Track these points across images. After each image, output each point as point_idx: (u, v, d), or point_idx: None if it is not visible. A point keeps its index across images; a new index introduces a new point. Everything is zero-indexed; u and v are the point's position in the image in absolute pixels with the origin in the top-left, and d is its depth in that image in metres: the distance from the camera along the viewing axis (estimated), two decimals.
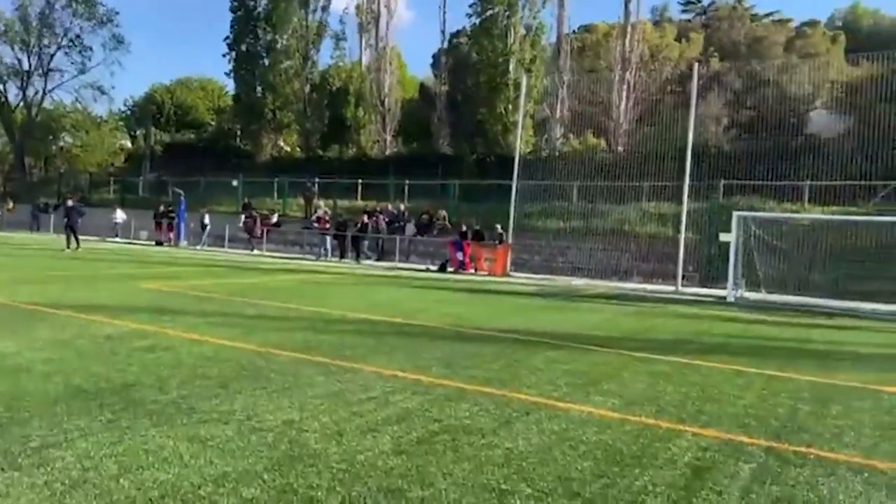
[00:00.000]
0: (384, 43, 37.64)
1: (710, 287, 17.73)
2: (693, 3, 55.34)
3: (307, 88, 39.30)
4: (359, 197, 30.55)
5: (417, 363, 6.23)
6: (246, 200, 30.45)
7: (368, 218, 24.62)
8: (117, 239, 30.52)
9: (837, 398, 5.67)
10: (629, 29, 31.71)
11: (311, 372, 5.65)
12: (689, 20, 52.21)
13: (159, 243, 28.82)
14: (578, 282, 19.08)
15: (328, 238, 24.76)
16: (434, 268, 21.57)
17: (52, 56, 44.36)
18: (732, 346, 8.77)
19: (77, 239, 21.67)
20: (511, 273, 20.23)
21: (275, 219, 28.43)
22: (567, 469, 3.62)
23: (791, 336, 10.02)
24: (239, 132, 43.90)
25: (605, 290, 17.00)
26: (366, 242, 24.54)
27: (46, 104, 45.89)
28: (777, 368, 6.94)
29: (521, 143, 22.79)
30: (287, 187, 31.78)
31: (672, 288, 17.28)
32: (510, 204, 20.82)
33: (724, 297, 15.37)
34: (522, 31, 32.46)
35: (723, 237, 16.67)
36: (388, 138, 37.68)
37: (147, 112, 50.02)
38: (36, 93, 45.30)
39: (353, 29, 39.42)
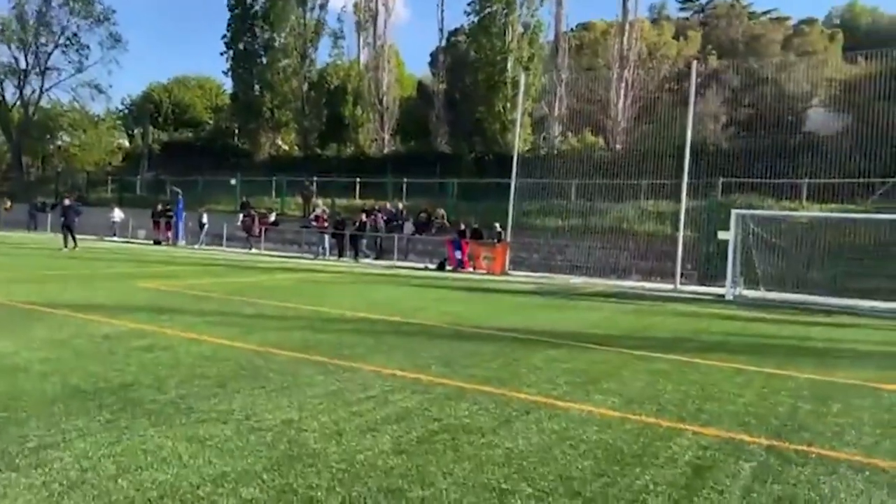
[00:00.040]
0: (382, 41, 37.57)
1: (709, 285, 17.72)
2: (691, 0, 55.37)
3: (305, 87, 39.23)
4: (357, 195, 30.50)
5: (416, 362, 6.21)
6: (244, 199, 30.41)
7: (367, 216, 24.59)
8: (115, 238, 30.46)
9: (837, 396, 5.66)
10: (627, 27, 31.68)
11: (310, 371, 5.63)
12: (687, 18, 52.27)
13: (157, 242, 28.77)
14: (577, 280, 19.07)
15: (326, 237, 24.73)
16: (432, 266, 21.55)
17: (50, 55, 44.25)
18: (731, 344, 8.76)
19: (74, 238, 21.62)
20: (509, 271, 20.21)
21: (273, 217, 28.38)
22: (568, 468, 3.60)
23: (790, 334, 10.02)
24: (237, 131, 43.83)
25: (603, 288, 16.99)
26: (364, 241, 24.51)
27: (44, 103, 45.82)
28: (776, 366, 6.93)
29: (519, 141, 22.77)
30: (285, 186, 31.74)
31: (671, 286, 17.27)
32: (508, 202, 20.79)
33: (723, 295, 15.37)
34: (520, 29, 32.41)
35: (721, 235, 16.66)
36: (387, 137, 37.63)
37: (145, 111, 49.92)
38: (33, 92, 45.23)
39: (351, 27, 39.40)
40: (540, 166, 24.19)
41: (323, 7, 39.45)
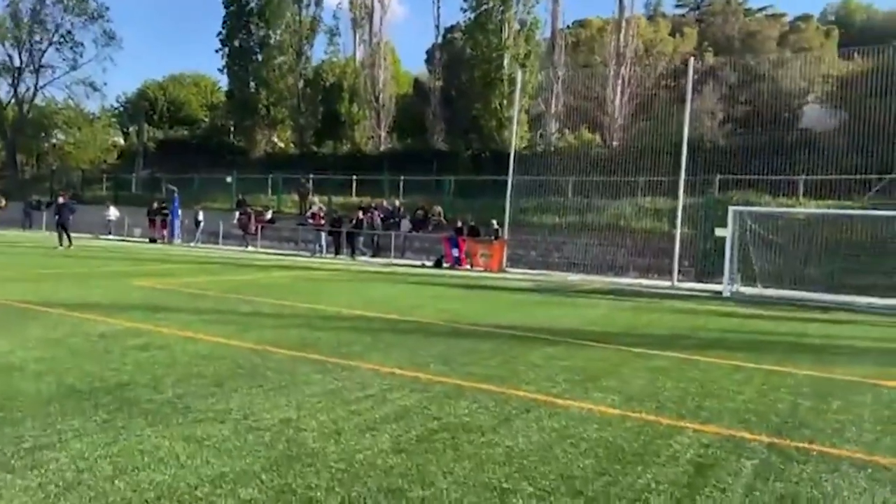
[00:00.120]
0: (378, 38, 37.45)
1: (706, 282, 17.72)
2: None
3: (301, 84, 39.10)
4: (353, 193, 30.43)
5: (415, 360, 6.19)
6: (240, 197, 30.28)
7: (363, 214, 24.52)
8: (110, 236, 30.34)
9: (837, 393, 5.65)
10: (623, 24, 31.62)
11: (308, 370, 5.60)
12: (683, 15, 52.23)
13: (153, 240, 28.65)
14: (574, 277, 19.06)
15: (323, 234, 24.67)
16: (429, 264, 21.51)
17: (44, 52, 44.04)
18: (729, 340, 8.76)
19: (69, 236, 21.53)
20: (507, 269, 20.19)
21: (269, 215, 28.31)
22: (569, 467, 3.58)
23: (787, 330, 10.02)
24: (232, 128, 43.68)
25: (601, 285, 16.98)
26: (361, 239, 24.45)
27: (38, 101, 45.59)
28: (775, 363, 6.92)
29: (516, 138, 22.73)
30: (281, 183, 31.65)
31: (668, 283, 17.27)
32: (505, 199, 20.76)
33: (720, 292, 15.37)
34: (517, 26, 32.32)
35: (718, 232, 16.66)
36: (383, 134, 37.54)
37: (140, 108, 49.69)
38: (27, 90, 45.02)
39: (347, 24, 39.16)
40: (537, 163, 24.15)
41: (318, 4, 39.37)
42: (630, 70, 30.67)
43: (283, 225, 28.01)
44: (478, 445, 3.87)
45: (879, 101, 20.72)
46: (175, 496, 3.00)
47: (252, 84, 39.50)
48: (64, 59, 44.29)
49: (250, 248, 25.89)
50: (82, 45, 44.20)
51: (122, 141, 51.34)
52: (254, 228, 26.79)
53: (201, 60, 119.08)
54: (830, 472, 3.68)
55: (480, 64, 32.41)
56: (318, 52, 55.24)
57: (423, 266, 21.17)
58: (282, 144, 42.59)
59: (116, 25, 58.56)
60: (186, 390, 4.78)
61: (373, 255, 23.80)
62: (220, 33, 39.85)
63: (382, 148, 37.08)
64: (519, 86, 22.75)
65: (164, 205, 29.62)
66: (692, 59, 20.53)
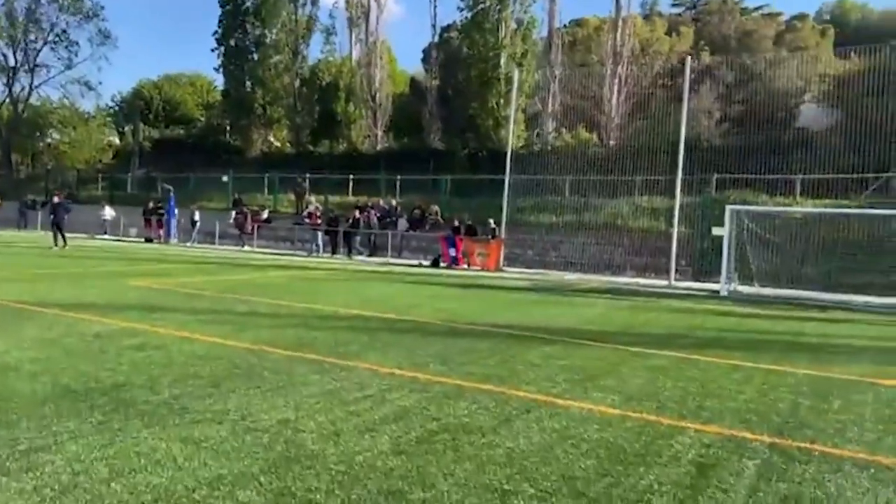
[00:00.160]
0: (374, 37, 37.43)
1: (703, 281, 17.71)
2: None
3: (297, 83, 39.06)
4: (350, 192, 30.41)
5: (413, 360, 6.15)
6: (236, 196, 30.21)
7: (360, 213, 24.46)
8: (106, 236, 30.22)
9: (837, 392, 5.64)
10: (620, 23, 31.68)
11: (305, 370, 5.56)
12: (680, 14, 52.29)
13: (149, 240, 28.55)
14: (571, 276, 19.04)
15: (319, 234, 24.60)
16: (426, 263, 21.47)
17: (39, 51, 43.98)
18: (727, 340, 8.75)
19: (64, 236, 21.43)
20: (504, 268, 20.16)
21: (265, 215, 28.24)
22: (570, 468, 3.55)
23: (785, 329, 10.00)
24: (228, 128, 43.58)
25: (598, 284, 16.96)
26: (357, 238, 24.39)
27: (33, 100, 45.51)
28: (773, 362, 6.90)
29: (513, 137, 22.71)
30: (278, 183, 31.60)
31: (665, 282, 17.26)
32: (502, 199, 20.74)
33: (718, 291, 15.37)
34: (513, 26, 32.34)
35: (716, 231, 16.65)
36: (379, 133, 37.51)
37: (135, 108, 49.57)
38: (22, 89, 44.91)
39: (343, 23, 39.21)
40: (534, 163, 24.16)
41: (314, 3, 39.43)
42: (627, 69, 30.70)
43: (280, 224, 27.95)
44: (478, 446, 3.83)
45: (875, 101, 20.78)
46: (172, 499, 2.96)
47: (248, 83, 39.45)
48: (59, 59, 44.33)
49: (247, 248, 25.81)
50: (77, 44, 44.24)
51: (117, 140, 51.22)
52: (250, 228, 26.71)
53: (197, 59, 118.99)
54: (833, 473, 3.66)
55: (477, 63, 32.41)
56: (315, 51, 55.43)
57: (419, 265, 21.13)
58: (278, 144, 42.53)
59: (112, 24, 58.21)
60: (183, 391, 4.74)
61: (369, 255, 23.75)
62: (215, 32, 39.83)
63: (379, 147, 37.05)
64: (515, 85, 22.72)
65: (159, 204, 29.52)
66: (689, 58, 20.48)
